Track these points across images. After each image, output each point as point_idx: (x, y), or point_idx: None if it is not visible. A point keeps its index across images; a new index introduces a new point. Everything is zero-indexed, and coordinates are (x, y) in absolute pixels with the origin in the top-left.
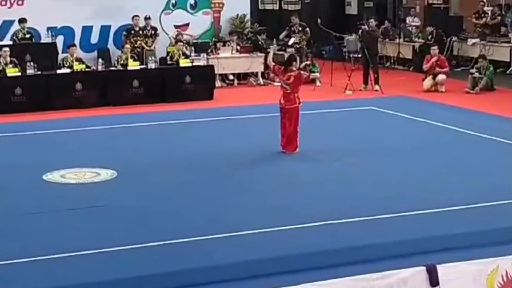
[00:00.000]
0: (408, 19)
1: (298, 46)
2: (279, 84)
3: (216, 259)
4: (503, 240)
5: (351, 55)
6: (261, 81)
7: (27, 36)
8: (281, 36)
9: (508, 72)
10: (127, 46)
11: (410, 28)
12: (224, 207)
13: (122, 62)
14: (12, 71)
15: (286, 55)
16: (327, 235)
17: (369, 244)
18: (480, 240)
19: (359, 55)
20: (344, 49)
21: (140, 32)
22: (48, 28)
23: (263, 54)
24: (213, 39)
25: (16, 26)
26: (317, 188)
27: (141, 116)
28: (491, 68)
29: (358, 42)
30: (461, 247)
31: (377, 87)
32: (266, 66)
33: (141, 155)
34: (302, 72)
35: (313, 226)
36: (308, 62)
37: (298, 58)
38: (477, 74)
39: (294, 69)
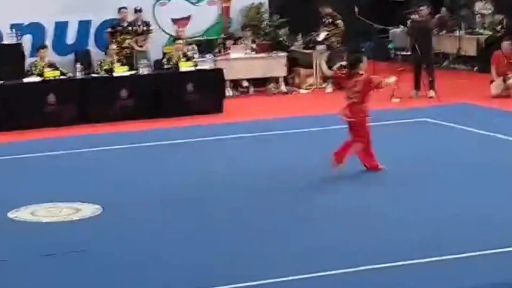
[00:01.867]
0: (478, 5)
1: (327, 43)
2: (307, 91)
3: None
4: None
5: (398, 53)
6: (283, 88)
7: None
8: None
9: None
10: (113, 46)
11: (476, 17)
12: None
13: (106, 67)
14: None
15: (315, 54)
16: None
17: None
18: None
19: (409, 53)
20: (389, 45)
21: (129, 28)
22: (12, 26)
23: (285, 54)
24: (222, 35)
25: None
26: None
27: (132, 136)
28: None
29: (407, 36)
30: None
31: (432, 93)
32: (289, 69)
33: (132, 186)
34: (373, 76)
35: None
36: (343, 63)
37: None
38: None
39: (361, 72)
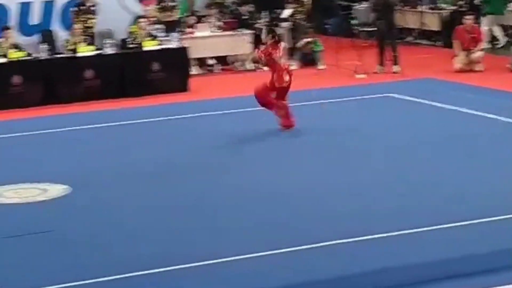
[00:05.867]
0: None
1: (293, 20)
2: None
3: None
4: None
5: (361, 29)
6: (248, 66)
7: None
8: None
9: None
10: (77, 26)
11: None
12: (202, 229)
13: (71, 47)
14: None
15: (282, 31)
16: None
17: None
18: None
19: (372, 29)
20: (353, 22)
21: (91, 8)
22: None
23: (250, 32)
24: (186, 14)
25: None
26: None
27: (98, 115)
28: None
29: (371, 12)
30: None
31: (396, 68)
32: (255, 47)
33: (99, 165)
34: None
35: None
36: (308, 40)
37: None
38: None
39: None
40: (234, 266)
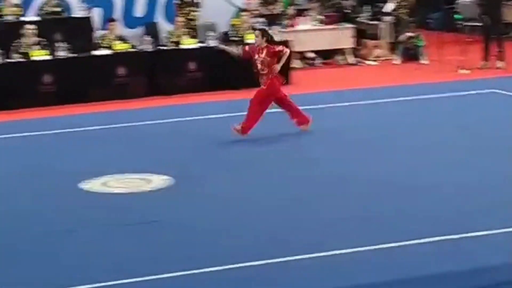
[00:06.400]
0: None
1: (396, 14)
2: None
3: None
4: None
5: (465, 24)
6: (350, 60)
7: (57, 9)
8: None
9: None
10: (180, 19)
11: None
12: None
13: (174, 39)
14: (39, 54)
15: (382, 26)
16: None
17: None
18: None
19: (477, 24)
20: (456, 16)
21: (194, 1)
22: None
23: (352, 26)
24: (288, 7)
25: None
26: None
27: (200, 107)
28: None
29: (476, 6)
30: None
31: (500, 63)
32: (358, 41)
33: (201, 157)
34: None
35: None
36: (411, 34)
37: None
38: None
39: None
40: (345, 259)
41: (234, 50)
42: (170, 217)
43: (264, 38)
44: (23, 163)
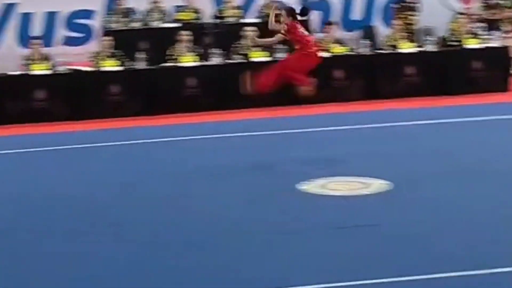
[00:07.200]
0: None
1: None
2: None
3: None
4: None
5: None
6: None
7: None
8: None
9: None
10: (397, 22)
11: None
12: None
13: (390, 43)
14: (258, 55)
15: None
16: None
17: None
18: None
19: None
20: None
21: (412, 5)
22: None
23: None
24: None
25: None
26: None
27: (416, 112)
28: None
29: None
30: None
31: None
32: None
33: (421, 162)
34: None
35: None
36: None
37: None
38: None
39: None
40: None
41: None
42: (390, 222)
43: (290, 18)
44: (244, 160)
